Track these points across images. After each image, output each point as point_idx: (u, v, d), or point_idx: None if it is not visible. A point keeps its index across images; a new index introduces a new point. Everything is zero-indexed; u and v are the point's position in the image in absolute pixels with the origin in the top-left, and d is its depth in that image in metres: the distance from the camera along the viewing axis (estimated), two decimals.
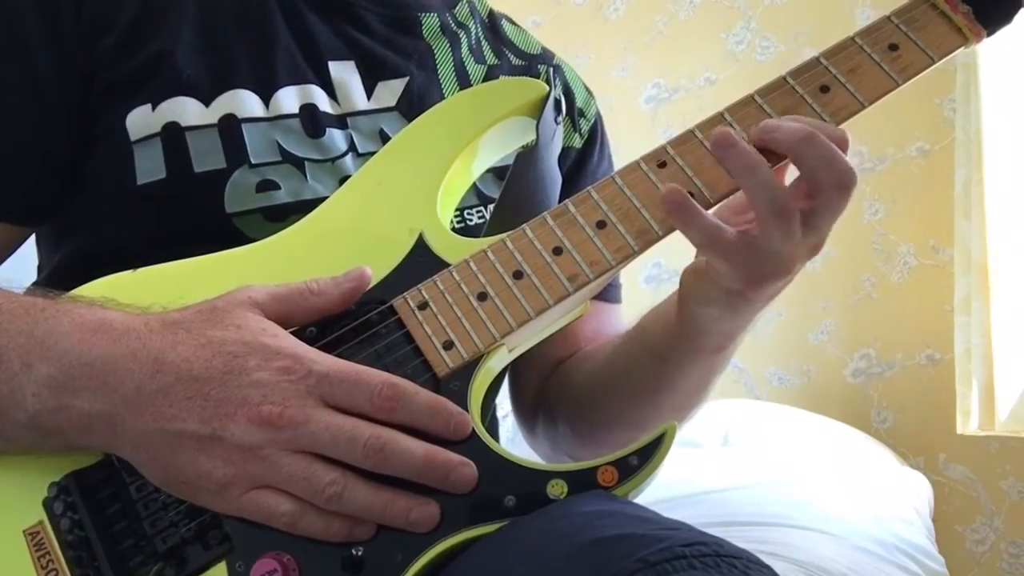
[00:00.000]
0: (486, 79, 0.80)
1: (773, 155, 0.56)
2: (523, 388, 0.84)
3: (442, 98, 0.76)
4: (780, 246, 0.55)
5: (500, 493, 0.49)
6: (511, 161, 0.71)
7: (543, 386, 0.83)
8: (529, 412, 0.84)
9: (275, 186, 0.67)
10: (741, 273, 0.56)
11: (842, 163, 0.54)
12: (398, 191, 0.63)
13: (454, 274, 0.58)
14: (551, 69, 0.85)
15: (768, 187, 0.54)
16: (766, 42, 2.46)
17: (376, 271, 0.58)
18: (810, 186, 0.55)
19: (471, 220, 0.74)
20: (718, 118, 0.60)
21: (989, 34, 0.61)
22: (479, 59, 0.81)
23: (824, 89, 0.59)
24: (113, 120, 0.66)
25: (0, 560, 0.52)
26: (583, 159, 0.85)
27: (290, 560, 0.48)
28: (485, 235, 0.62)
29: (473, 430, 0.51)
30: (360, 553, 0.48)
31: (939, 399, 2.10)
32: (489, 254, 0.58)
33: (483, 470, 0.50)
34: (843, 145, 0.55)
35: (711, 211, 0.57)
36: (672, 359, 0.68)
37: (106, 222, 0.68)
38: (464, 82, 0.79)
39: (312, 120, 0.70)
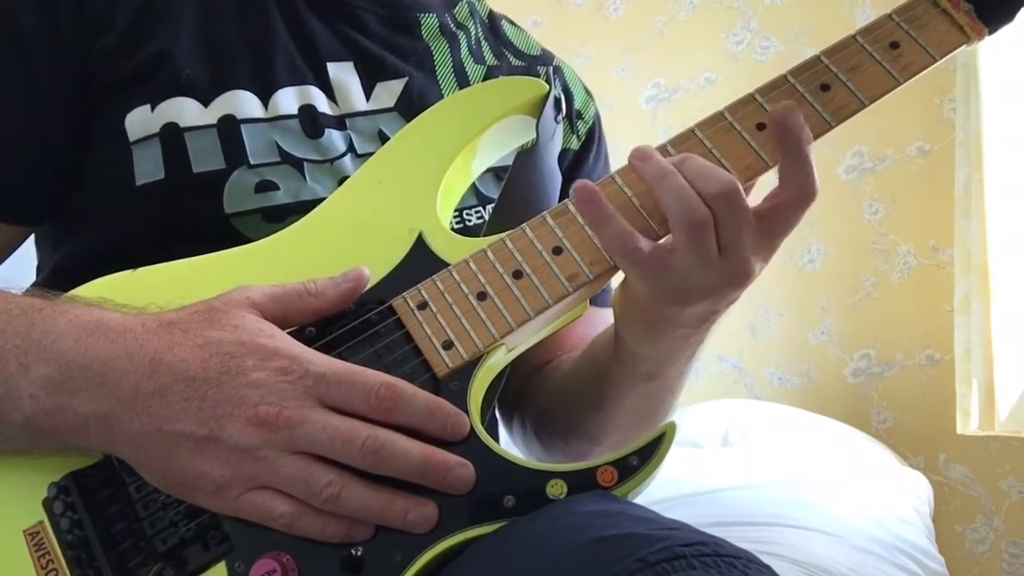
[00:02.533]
0: (486, 79, 0.80)
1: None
2: (506, 387, 0.84)
3: (441, 99, 0.76)
4: (691, 264, 0.53)
5: (499, 493, 0.49)
6: (510, 161, 0.70)
7: (521, 387, 0.83)
8: (508, 410, 0.85)
9: (274, 187, 0.67)
10: (653, 288, 0.55)
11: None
12: (397, 191, 0.63)
13: (454, 274, 0.57)
14: (551, 70, 0.85)
15: (679, 194, 0.53)
16: (766, 42, 2.46)
17: (375, 271, 0.58)
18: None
19: (470, 220, 0.73)
20: (718, 117, 0.60)
21: (991, 32, 0.61)
22: (478, 60, 0.81)
23: (825, 88, 0.59)
24: (112, 120, 0.66)
25: (1, 560, 0.52)
26: (579, 161, 0.85)
27: (289, 560, 0.48)
28: (485, 235, 0.62)
29: (472, 430, 0.51)
30: (359, 553, 0.48)
31: (939, 399, 2.10)
32: (489, 254, 0.58)
33: (482, 470, 0.50)
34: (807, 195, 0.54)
35: None
36: (608, 379, 0.68)
37: (105, 222, 0.68)
38: (463, 83, 0.78)
39: (311, 121, 0.70)
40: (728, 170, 0.57)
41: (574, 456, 0.54)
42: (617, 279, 0.60)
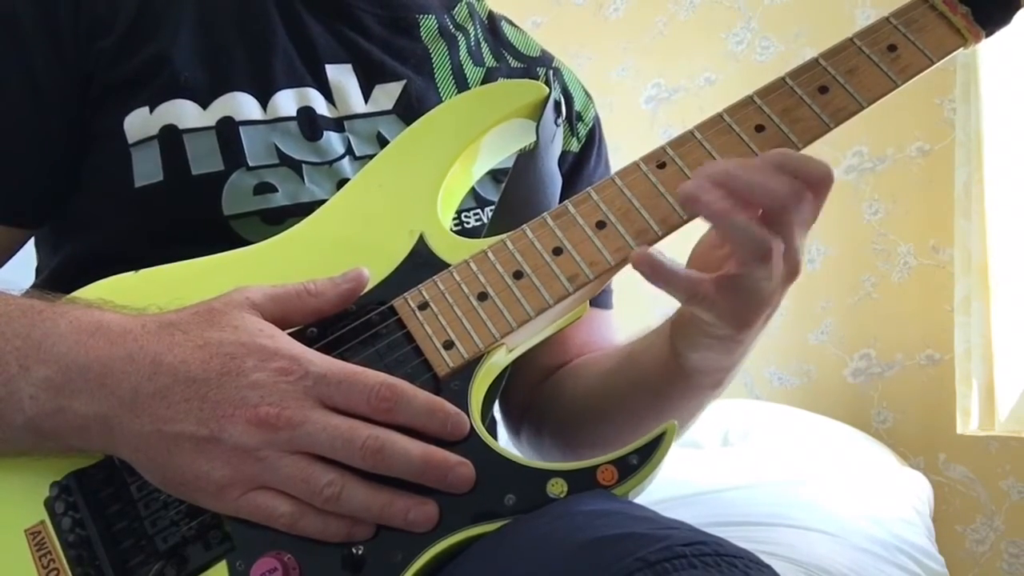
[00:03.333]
0: (484, 81, 0.80)
1: None
2: (511, 393, 0.83)
3: (440, 101, 0.76)
4: (763, 283, 0.54)
5: (500, 492, 0.49)
6: (509, 164, 0.71)
7: (532, 394, 0.82)
8: (515, 417, 0.84)
9: (272, 189, 0.67)
10: (727, 318, 0.56)
11: (770, 181, 0.53)
12: (398, 193, 0.63)
13: (454, 274, 0.58)
14: (550, 71, 0.85)
15: (747, 232, 0.53)
16: (766, 42, 2.46)
17: (376, 272, 0.58)
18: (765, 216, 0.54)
19: (468, 223, 0.74)
20: (717, 119, 0.60)
21: (988, 35, 0.61)
22: (478, 61, 0.81)
23: (823, 90, 0.60)
24: (111, 122, 0.66)
25: (2, 560, 0.52)
26: (580, 163, 0.85)
27: (290, 559, 0.48)
28: (485, 236, 0.63)
29: (472, 430, 0.51)
30: (360, 552, 0.48)
31: (939, 399, 2.10)
32: (489, 254, 0.58)
33: (483, 469, 0.50)
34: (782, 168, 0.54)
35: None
36: (667, 394, 0.68)
37: (104, 224, 0.68)
38: (462, 85, 0.79)
39: (309, 123, 0.70)
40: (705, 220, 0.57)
41: None
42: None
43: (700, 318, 0.58)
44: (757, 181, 0.53)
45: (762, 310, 0.57)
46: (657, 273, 0.54)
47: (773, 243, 0.53)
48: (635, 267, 0.55)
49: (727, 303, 0.55)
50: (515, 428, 0.85)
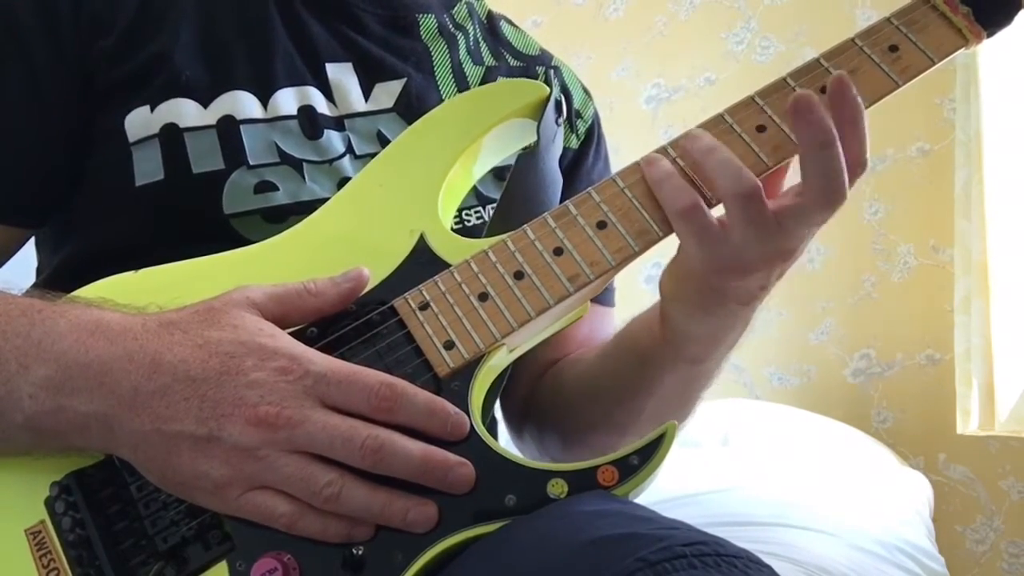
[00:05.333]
0: (484, 80, 0.80)
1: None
2: (512, 391, 0.83)
3: (440, 100, 0.76)
4: (749, 233, 0.54)
5: (500, 492, 0.49)
6: (512, 161, 0.71)
7: (532, 390, 0.82)
8: (517, 415, 0.84)
9: (273, 187, 0.67)
10: (710, 258, 0.56)
11: (839, 182, 0.54)
12: (399, 193, 0.63)
13: (455, 274, 0.58)
14: (550, 70, 0.85)
15: (726, 165, 0.54)
16: (766, 42, 2.46)
17: (377, 272, 0.58)
18: (802, 189, 0.55)
19: (469, 221, 0.74)
20: (718, 119, 0.60)
21: (989, 35, 0.61)
22: (477, 60, 0.81)
23: (824, 90, 0.59)
24: (112, 121, 0.66)
25: (2, 559, 0.52)
26: (579, 160, 0.85)
27: (290, 559, 0.48)
28: (486, 236, 0.63)
29: (473, 430, 0.51)
30: (360, 552, 0.48)
31: (939, 399, 2.10)
32: (490, 254, 0.58)
33: (483, 470, 0.50)
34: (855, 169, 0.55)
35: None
36: (653, 362, 0.67)
37: (105, 223, 0.68)
38: (462, 83, 0.79)
39: (310, 121, 0.70)
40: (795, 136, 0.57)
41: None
42: (664, 267, 0.60)
43: (690, 262, 0.58)
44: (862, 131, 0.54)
45: (750, 268, 0.56)
46: (656, 169, 0.56)
47: (757, 189, 0.53)
48: (644, 163, 0.56)
49: (713, 245, 0.55)
50: (518, 427, 0.85)
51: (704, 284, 0.58)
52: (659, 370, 0.67)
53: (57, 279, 0.69)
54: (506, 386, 0.83)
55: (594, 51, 2.67)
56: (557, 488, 0.49)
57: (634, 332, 0.71)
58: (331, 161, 0.70)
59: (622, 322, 0.74)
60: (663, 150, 0.60)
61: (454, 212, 0.69)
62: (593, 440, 0.75)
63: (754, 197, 0.53)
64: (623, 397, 0.71)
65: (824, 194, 0.54)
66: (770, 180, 0.58)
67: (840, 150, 0.53)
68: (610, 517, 0.45)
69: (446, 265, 0.58)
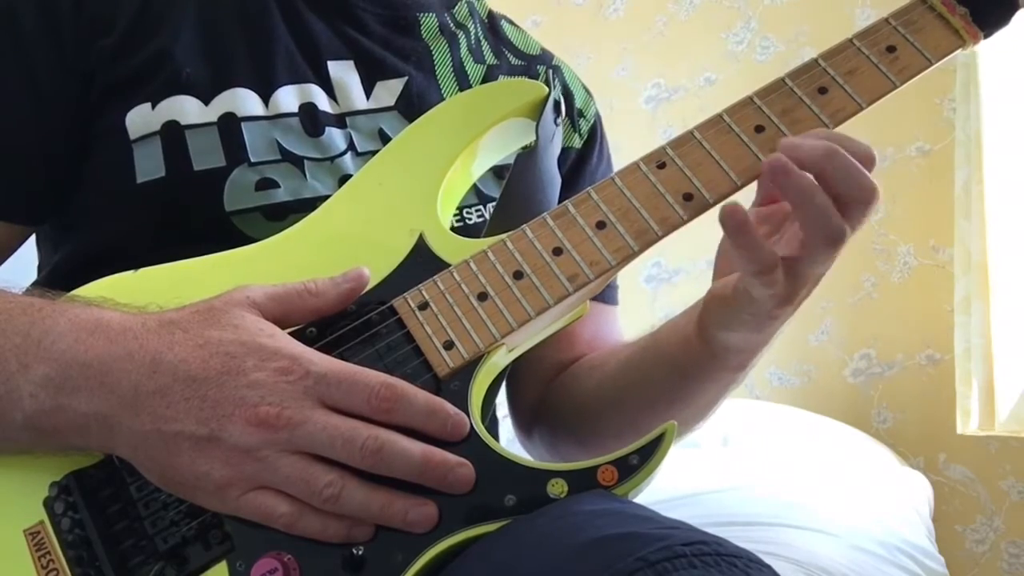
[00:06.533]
0: (485, 79, 0.80)
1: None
2: (521, 393, 0.83)
3: (441, 98, 0.76)
4: (821, 268, 0.55)
5: (500, 492, 0.49)
6: (511, 160, 0.71)
7: (544, 392, 0.82)
8: (527, 417, 0.84)
9: (274, 185, 0.67)
10: (778, 295, 0.56)
11: (864, 178, 0.53)
12: (398, 192, 0.63)
13: (454, 274, 0.58)
14: (550, 70, 0.85)
15: (826, 214, 0.53)
16: (766, 42, 2.46)
17: (376, 272, 0.58)
18: (836, 202, 0.54)
19: (470, 219, 0.74)
20: (717, 119, 0.60)
21: (986, 36, 0.61)
22: (478, 59, 0.81)
23: (822, 91, 0.60)
24: (113, 119, 0.66)
25: (1, 560, 0.52)
26: (582, 160, 0.85)
27: (291, 560, 0.48)
28: (485, 236, 0.63)
29: (473, 430, 0.51)
30: (361, 553, 0.48)
31: (939, 399, 2.10)
32: (489, 254, 0.58)
33: (483, 470, 0.50)
34: (868, 161, 0.54)
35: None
36: (693, 375, 0.67)
37: (105, 221, 0.68)
38: (463, 82, 0.79)
39: (311, 119, 0.70)
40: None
41: None
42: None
43: (746, 295, 0.57)
44: (855, 167, 0.53)
45: (807, 291, 0.57)
46: (742, 231, 0.53)
47: (846, 228, 0.53)
48: (724, 221, 0.53)
49: (787, 281, 0.55)
50: (527, 429, 0.84)
51: (763, 313, 0.58)
52: (701, 382, 0.68)
53: (57, 277, 0.69)
54: (515, 388, 0.84)
55: (594, 51, 2.67)
56: (557, 488, 0.49)
57: (666, 344, 0.70)
58: (332, 159, 0.70)
59: (624, 326, 0.74)
60: (662, 151, 0.60)
61: (454, 211, 0.69)
62: (617, 446, 0.75)
63: (844, 240, 0.54)
64: (658, 405, 0.71)
65: (859, 196, 0.54)
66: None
67: (821, 196, 0.53)
68: (610, 517, 0.45)
69: (445, 265, 0.59)
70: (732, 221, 0.52)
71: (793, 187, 0.53)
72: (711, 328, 0.62)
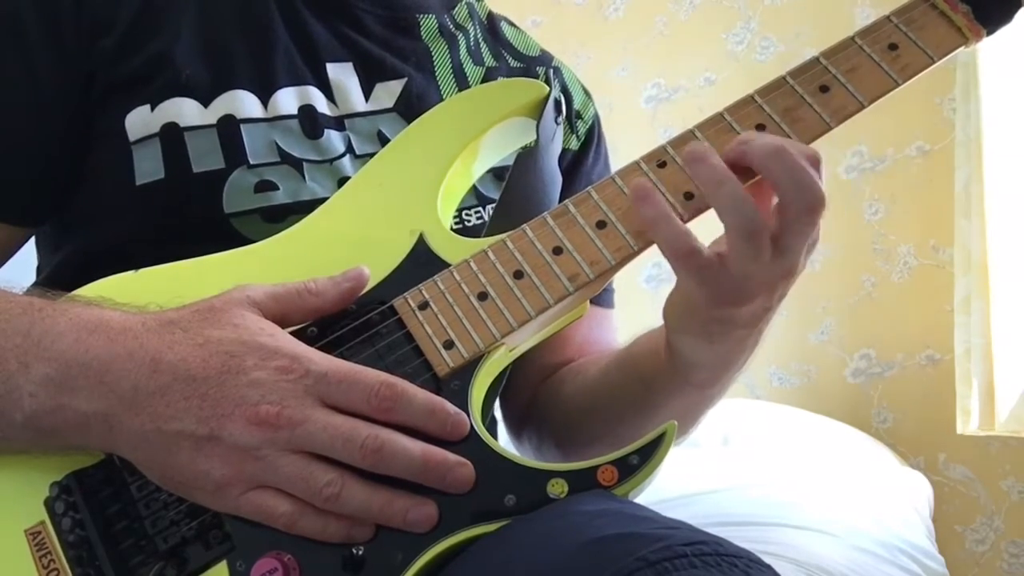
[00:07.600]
0: (484, 81, 0.80)
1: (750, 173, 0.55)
2: (513, 394, 0.83)
3: (440, 99, 0.76)
4: (748, 267, 0.53)
5: (500, 492, 0.49)
6: (510, 161, 0.71)
7: (533, 395, 0.82)
8: (517, 419, 0.84)
9: (273, 187, 0.67)
10: (710, 291, 0.55)
11: (810, 183, 0.52)
12: (398, 192, 0.63)
13: (455, 274, 0.58)
14: (550, 71, 0.85)
15: (737, 202, 0.52)
16: (766, 42, 2.46)
17: (376, 271, 0.58)
18: (779, 204, 0.53)
19: (469, 221, 0.74)
20: (718, 118, 0.60)
21: (989, 33, 0.61)
22: (477, 61, 0.81)
23: (824, 89, 0.60)
24: (112, 121, 0.66)
25: (2, 560, 0.52)
26: (579, 161, 0.85)
27: (291, 559, 0.48)
28: (486, 235, 0.63)
29: (472, 430, 0.51)
30: (360, 552, 0.48)
31: (939, 399, 2.10)
32: (489, 254, 0.58)
33: (483, 469, 0.50)
34: (814, 163, 0.53)
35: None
36: (656, 387, 0.67)
37: (105, 222, 0.68)
38: (462, 83, 0.79)
39: (310, 121, 0.70)
40: (698, 186, 0.57)
41: None
42: (664, 267, 0.60)
43: (685, 287, 0.57)
44: (802, 168, 0.52)
45: (743, 298, 0.55)
46: (652, 207, 0.54)
47: (763, 224, 0.52)
48: (632, 195, 0.55)
49: (713, 279, 0.54)
50: (517, 430, 0.85)
51: (708, 316, 0.57)
52: (665, 395, 0.67)
53: (57, 278, 0.69)
54: (507, 389, 0.83)
55: (594, 51, 2.67)
56: (557, 488, 0.49)
57: (638, 355, 0.70)
58: (331, 161, 0.70)
59: (624, 327, 0.74)
60: (662, 150, 0.60)
61: (453, 211, 0.69)
62: (592, 453, 0.75)
63: (761, 234, 0.52)
64: (626, 416, 0.71)
65: (800, 197, 0.53)
66: (758, 188, 0.57)
67: (794, 155, 0.52)
68: (610, 517, 0.45)
69: (445, 265, 0.58)
70: (639, 192, 0.54)
71: (703, 174, 0.54)
72: (670, 335, 0.62)
